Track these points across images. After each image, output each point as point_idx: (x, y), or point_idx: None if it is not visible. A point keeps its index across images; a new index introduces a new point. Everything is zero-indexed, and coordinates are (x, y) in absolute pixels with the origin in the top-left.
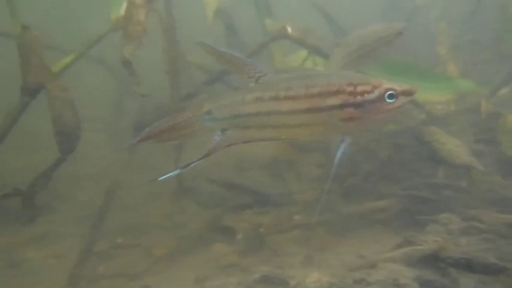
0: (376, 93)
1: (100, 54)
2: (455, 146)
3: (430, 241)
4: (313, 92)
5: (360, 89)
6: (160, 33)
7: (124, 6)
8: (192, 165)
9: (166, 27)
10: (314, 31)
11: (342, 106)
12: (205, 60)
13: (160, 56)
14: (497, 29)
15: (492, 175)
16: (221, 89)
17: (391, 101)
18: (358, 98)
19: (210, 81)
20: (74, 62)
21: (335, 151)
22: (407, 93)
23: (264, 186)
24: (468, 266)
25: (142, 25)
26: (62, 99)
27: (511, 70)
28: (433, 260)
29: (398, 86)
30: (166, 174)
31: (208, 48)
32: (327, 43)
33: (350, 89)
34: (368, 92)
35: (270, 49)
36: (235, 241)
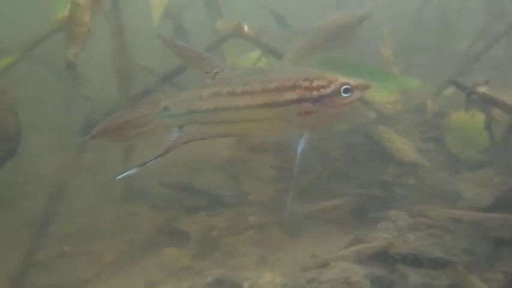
0: (332, 87)
1: (49, 55)
2: (403, 145)
3: (380, 238)
4: (270, 87)
5: (316, 83)
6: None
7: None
8: (150, 163)
9: (115, 29)
10: (268, 30)
11: (299, 101)
12: (155, 63)
13: (109, 58)
14: (440, 31)
15: (438, 172)
16: (171, 91)
17: (346, 95)
18: (315, 92)
19: (159, 82)
20: (17, 63)
21: (295, 146)
22: (362, 87)
23: (217, 188)
24: (416, 261)
25: (87, 26)
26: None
27: (455, 70)
28: (383, 257)
29: (353, 80)
30: (122, 174)
31: (166, 41)
32: (280, 43)
33: (306, 83)
34: (324, 87)
35: (222, 50)
36: (187, 244)
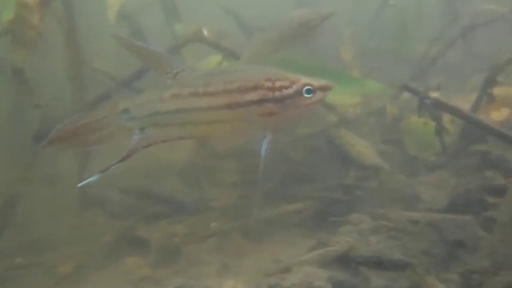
0: (294, 88)
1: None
2: (363, 148)
3: (342, 242)
4: (232, 88)
5: (278, 84)
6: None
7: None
8: (112, 168)
9: (67, 32)
10: (229, 34)
11: (261, 101)
12: (111, 66)
13: (62, 63)
14: (398, 35)
15: (398, 174)
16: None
17: (309, 96)
18: (277, 93)
19: (117, 86)
20: None
21: (258, 148)
22: (325, 88)
23: (178, 194)
24: (377, 263)
25: (36, 29)
26: None
27: (412, 74)
28: (345, 260)
29: (315, 81)
30: (83, 182)
31: (124, 41)
32: (241, 46)
33: (268, 84)
34: (286, 87)
35: (181, 54)
36: (148, 253)
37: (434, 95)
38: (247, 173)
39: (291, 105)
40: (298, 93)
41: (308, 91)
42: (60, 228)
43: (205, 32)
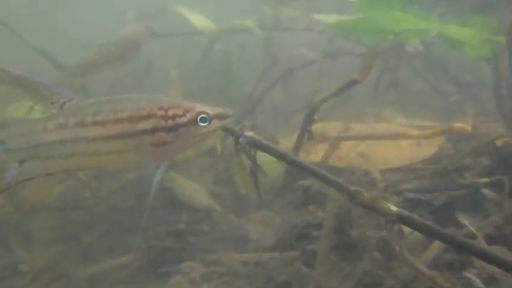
0: (188, 116)
1: None
2: (194, 190)
3: None
4: (122, 117)
5: (171, 112)
6: None
7: None
8: None
9: None
10: (36, 73)
11: (153, 130)
12: None
13: None
14: (225, 76)
15: (229, 215)
16: None
17: (204, 124)
18: (170, 121)
19: None
20: None
21: (151, 179)
22: (221, 116)
23: None
24: None
25: None
26: None
27: (239, 112)
28: None
29: (211, 109)
30: None
31: (1, 70)
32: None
33: (161, 112)
34: (180, 116)
35: None
36: None
37: (249, 134)
38: (66, 227)
39: (185, 134)
40: (193, 121)
41: (203, 119)
42: None
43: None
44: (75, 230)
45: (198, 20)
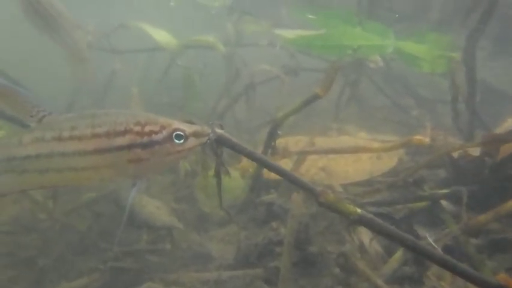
0: (164, 133)
1: None
2: (155, 208)
3: None
4: (99, 132)
5: (147, 128)
6: None
7: None
8: None
9: None
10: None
11: (130, 147)
12: None
13: None
14: (187, 91)
15: (191, 232)
16: None
17: (179, 141)
18: (146, 138)
19: None
20: None
21: (126, 196)
22: (198, 134)
23: None
24: None
25: None
26: None
27: None
28: None
29: (188, 126)
30: None
31: None
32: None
33: (137, 128)
34: (156, 132)
35: None
36: None
37: (218, 131)
38: (17, 251)
39: (161, 151)
40: (169, 138)
41: (178, 136)
42: None
43: None
44: (29, 253)
45: (161, 36)
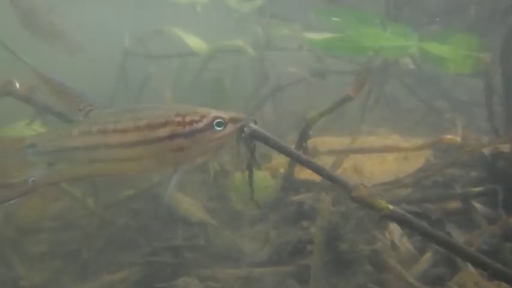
0: (205, 121)
1: None
2: (190, 205)
3: None
4: (141, 124)
5: (188, 118)
6: None
7: None
8: (12, 201)
9: None
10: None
11: (171, 137)
12: None
13: None
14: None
15: (224, 230)
16: None
17: (219, 128)
18: (187, 127)
19: None
20: None
21: (167, 183)
22: (235, 120)
23: None
24: None
25: None
26: None
27: None
28: None
29: (225, 114)
30: None
31: (42, 75)
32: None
33: (178, 119)
34: (197, 121)
35: None
36: None
37: (253, 126)
38: (60, 245)
39: (202, 139)
40: (209, 126)
41: (219, 124)
42: None
43: (17, 85)
44: (72, 246)
45: (193, 41)
